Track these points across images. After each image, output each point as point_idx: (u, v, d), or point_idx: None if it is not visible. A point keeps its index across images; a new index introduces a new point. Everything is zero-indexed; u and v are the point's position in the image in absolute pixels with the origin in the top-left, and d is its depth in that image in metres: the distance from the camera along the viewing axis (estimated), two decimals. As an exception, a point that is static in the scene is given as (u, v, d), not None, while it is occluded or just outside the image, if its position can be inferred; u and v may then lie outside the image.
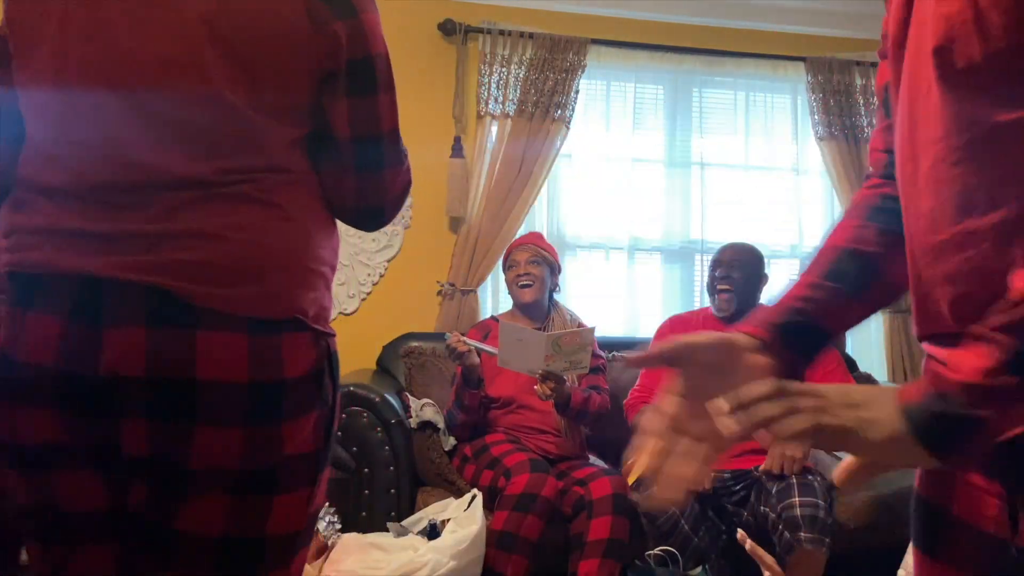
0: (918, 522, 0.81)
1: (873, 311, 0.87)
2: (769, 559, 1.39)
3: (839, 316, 0.84)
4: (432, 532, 2.25)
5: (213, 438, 1.01)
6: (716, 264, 2.68)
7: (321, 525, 2.24)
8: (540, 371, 2.42)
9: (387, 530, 2.35)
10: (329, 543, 2.23)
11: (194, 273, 1.01)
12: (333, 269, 1.18)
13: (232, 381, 1.02)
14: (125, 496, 1.05)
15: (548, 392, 2.44)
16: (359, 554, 2.17)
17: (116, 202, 1.02)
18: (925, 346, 0.73)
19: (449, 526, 2.25)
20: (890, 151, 0.80)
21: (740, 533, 1.41)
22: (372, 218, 1.24)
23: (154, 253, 1.01)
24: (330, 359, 1.14)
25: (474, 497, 2.35)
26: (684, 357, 0.80)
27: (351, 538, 2.25)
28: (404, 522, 2.40)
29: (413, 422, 2.64)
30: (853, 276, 0.83)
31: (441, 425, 2.68)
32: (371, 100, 1.14)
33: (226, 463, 1.03)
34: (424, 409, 2.68)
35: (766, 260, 2.82)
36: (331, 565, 2.15)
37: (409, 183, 1.25)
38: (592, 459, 2.72)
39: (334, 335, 1.16)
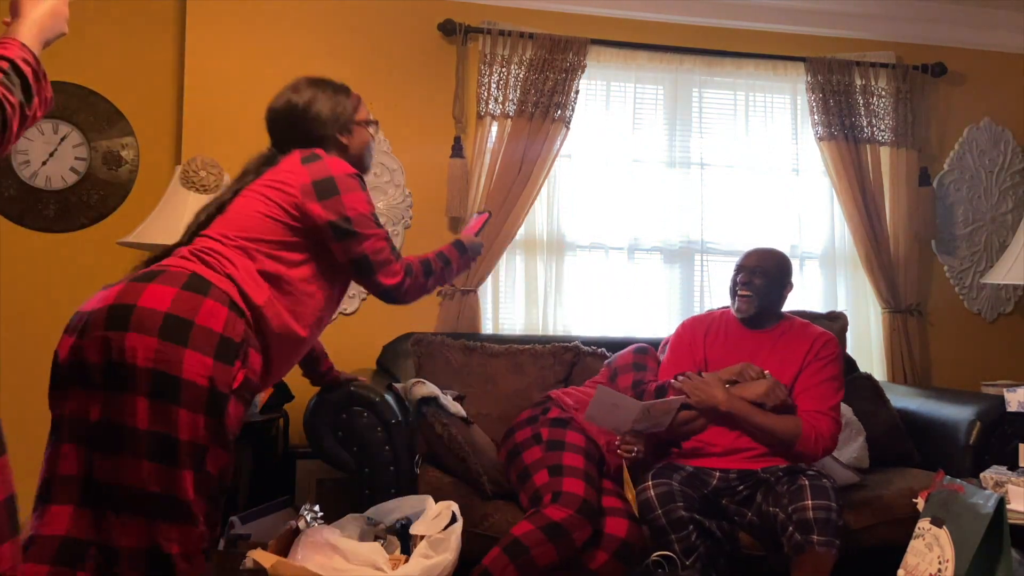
0: None
1: None
2: None
3: None
4: (403, 533, 2.20)
5: None
6: (739, 269, 2.74)
7: (301, 524, 2.20)
8: (625, 430, 2.46)
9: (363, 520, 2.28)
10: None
11: None
12: None
13: None
14: None
15: (630, 452, 2.46)
16: (320, 556, 2.07)
17: None
18: None
19: (421, 547, 2.12)
20: None
21: None
22: None
23: None
24: None
25: (453, 520, 2.24)
26: None
27: (315, 532, 2.15)
28: (382, 506, 2.34)
29: (411, 405, 2.61)
30: None
31: (439, 394, 2.65)
32: None
33: None
34: (415, 388, 2.64)
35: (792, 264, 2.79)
36: (292, 555, 2.07)
37: None
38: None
39: None
